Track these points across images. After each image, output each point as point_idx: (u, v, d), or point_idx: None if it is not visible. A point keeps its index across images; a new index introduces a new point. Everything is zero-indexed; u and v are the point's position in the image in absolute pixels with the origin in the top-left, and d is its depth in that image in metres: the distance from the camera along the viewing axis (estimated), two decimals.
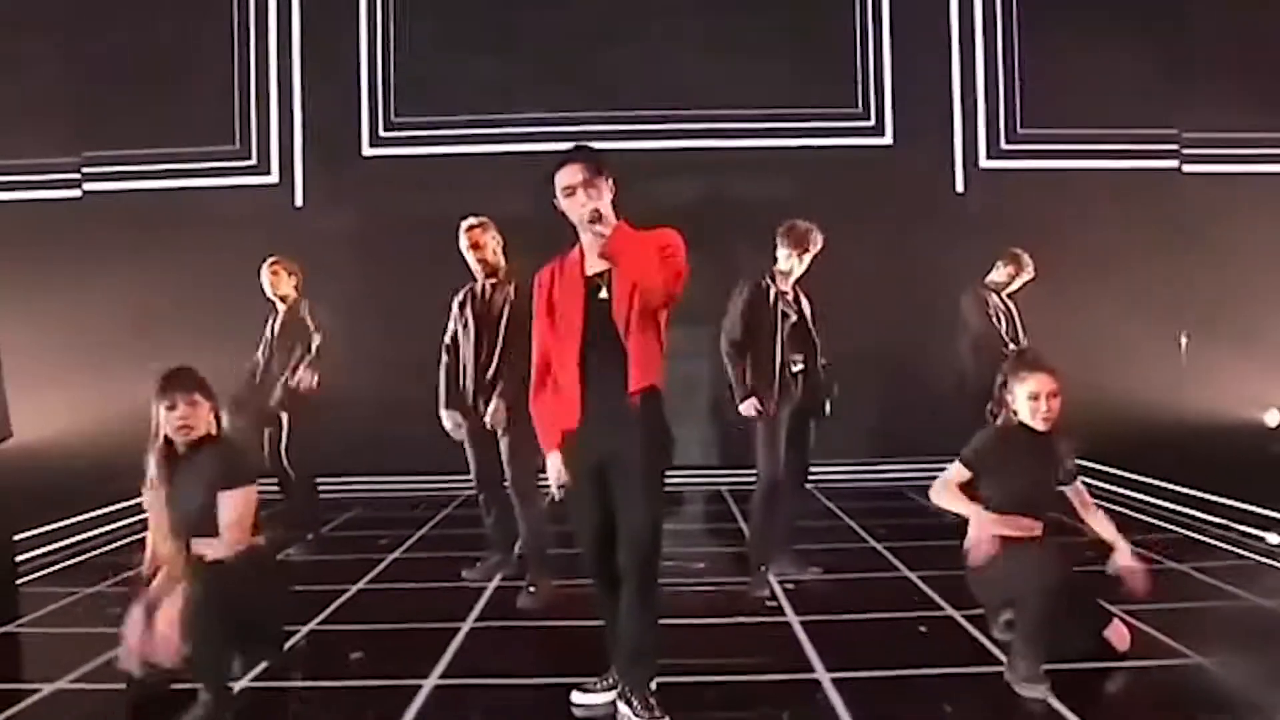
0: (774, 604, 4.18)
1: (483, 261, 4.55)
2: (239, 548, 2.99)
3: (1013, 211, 7.63)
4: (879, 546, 5.31)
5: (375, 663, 3.54)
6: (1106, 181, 8.00)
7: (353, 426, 6.43)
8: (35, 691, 3.27)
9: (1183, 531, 5.57)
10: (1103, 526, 3.43)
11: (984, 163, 8.20)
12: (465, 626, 3.95)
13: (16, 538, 4.77)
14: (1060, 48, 8.03)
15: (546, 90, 7.99)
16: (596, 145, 8.10)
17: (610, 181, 2.85)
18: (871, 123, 8.17)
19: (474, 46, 7.99)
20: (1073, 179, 8.04)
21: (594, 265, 2.92)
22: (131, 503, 6.11)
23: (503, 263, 4.61)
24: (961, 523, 3.39)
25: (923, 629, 3.79)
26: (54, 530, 5.66)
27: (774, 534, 4.53)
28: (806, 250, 4.55)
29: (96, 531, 5.93)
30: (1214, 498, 5.87)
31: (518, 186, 7.64)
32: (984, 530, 3.22)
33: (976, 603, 3.47)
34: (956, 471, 3.31)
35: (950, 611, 3.93)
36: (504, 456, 4.40)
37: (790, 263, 4.57)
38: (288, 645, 3.52)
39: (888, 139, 8.14)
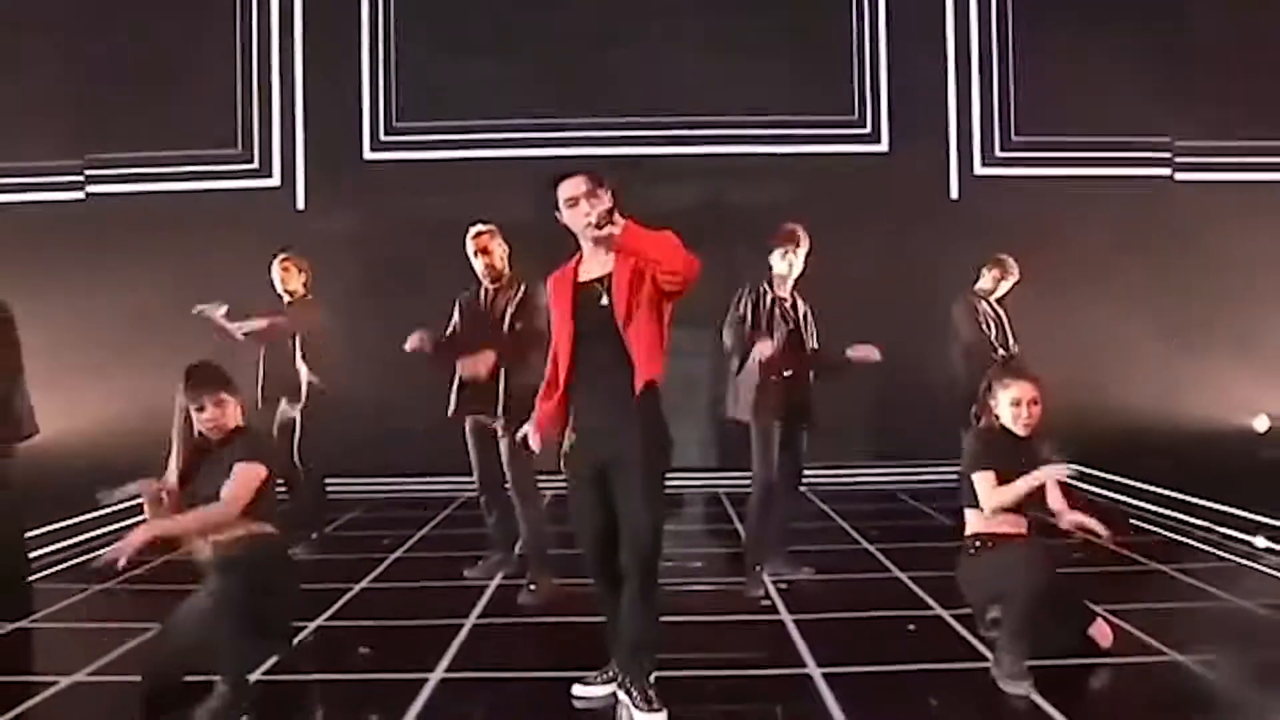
0: (768, 603, 4.34)
1: (489, 266, 4.71)
2: (234, 513, 3.11)
3: (1007, 218, 7.78)
4: (871, 548, 5.48)
5: (381, 658, 3.69)
6: (1100, 189, 8.16)
7: (354, 428, 6.58)
8: (53, 684, 3.41)
9: (1171, 535, 5.73)
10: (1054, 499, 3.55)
11: (979, 169, 8.37)
12: (468, 623, 4.10)
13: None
14: (1055, 55, 8.20)
15: (548, 94, 8.15)
16: (596, 150, 8.25)
17: (610, 193, 3.00)
18: (868, 129, 8.33)
19: (476, 50, 8.14)
20: (1067, 186, 8.19)
21: (591, 271, 3.07)
22: (135, 502, 6.28)
23: (508, 269, 4.75)
24: (956, 527, 3.54)
25: (911, 627, 3.95)
26: (60, 529, 5.81)
27: (769, 536, 4.69)
28: (797, 246, 4.69)
29: (100, 531, 6.06)
30: (1203, 502, 6.01)
31: (519, 190, 7.87)
32: (1049, 475, 3.34)
33: (964, 602, 3.64)
34: (988, 478, 3.42)
35: (939, 610, 4.09)
36: (504, 459, 4.56)
37: (785, 263, 4.71)
38: (296, 641, 3.67)
39: (884, 146, 8.31)
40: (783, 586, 4.57)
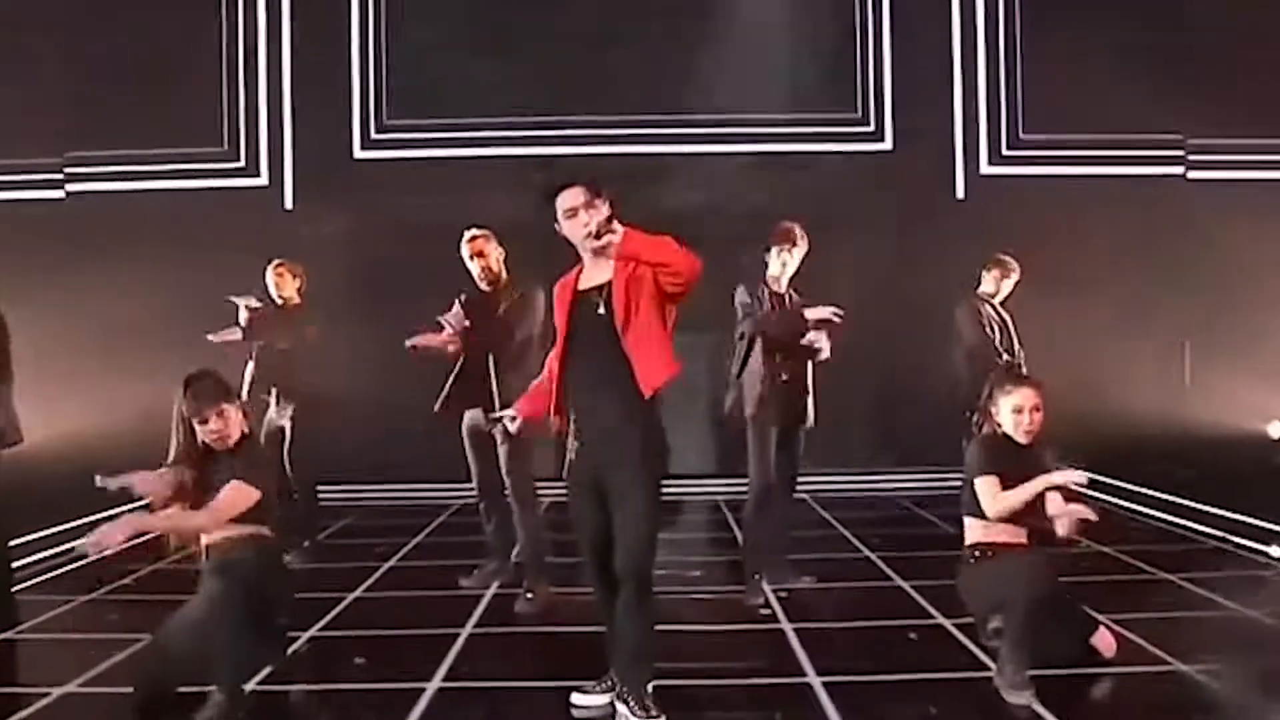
0: (768, 611, 4.45)
1: (485, 269, 4.82)
2: (218, 522, 3.21)
3: (1014, 219, 7.86)
4: (872, 556, 5.59)
5: (377, 668, 3.78)
6: (1110, 189, 8.25)
7: (345, 433, 6.66)
8: (44, 696, 3.48)
9: (1183, 543, 5.83)
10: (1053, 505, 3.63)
11: (985, 169, 8.46)
12: (464, 632, 4.20)
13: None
14: (1064, 51, 8.27)
15: (543, 92, 8.24)
16: (592, 150, 8.31)
17: (609, 203, 3.10)
18: (871, 128, 8.43)
19: (469, 48, 8.21)
20: (1075, 186, 8.28)
21: (591, 280, 3.18)
22: (124, 509, 6.36)
23: (504, 273, 4.86)
24: (959, 535, 3.64)
25: (912, 635, 4.05)
26: (45, 538, 5.88)
27: (768, 542, 4.79)
28: (793, 245, 4.80)
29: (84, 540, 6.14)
30: (1215, 510, 6.09)
31: (513, 190, 7.97)
32: (1058, 481, 3.43)
33: (966, 611, 3.73)
34: (991, 483, 3.51)
35: (941, 619, 4.19)
36: (502, 464, 4.67)
37: (779, 262, 4.81)
38: (290, 650, 3.75)
39: (887, 144, 8.41)
40: (783, 595, 4.67)
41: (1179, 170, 8.47)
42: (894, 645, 3.97)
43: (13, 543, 4.74)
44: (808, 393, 4.83)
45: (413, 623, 4.39)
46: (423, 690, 3.51)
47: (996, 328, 5.83)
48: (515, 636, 4.25)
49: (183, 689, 3.32)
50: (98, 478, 3.29)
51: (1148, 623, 4.02)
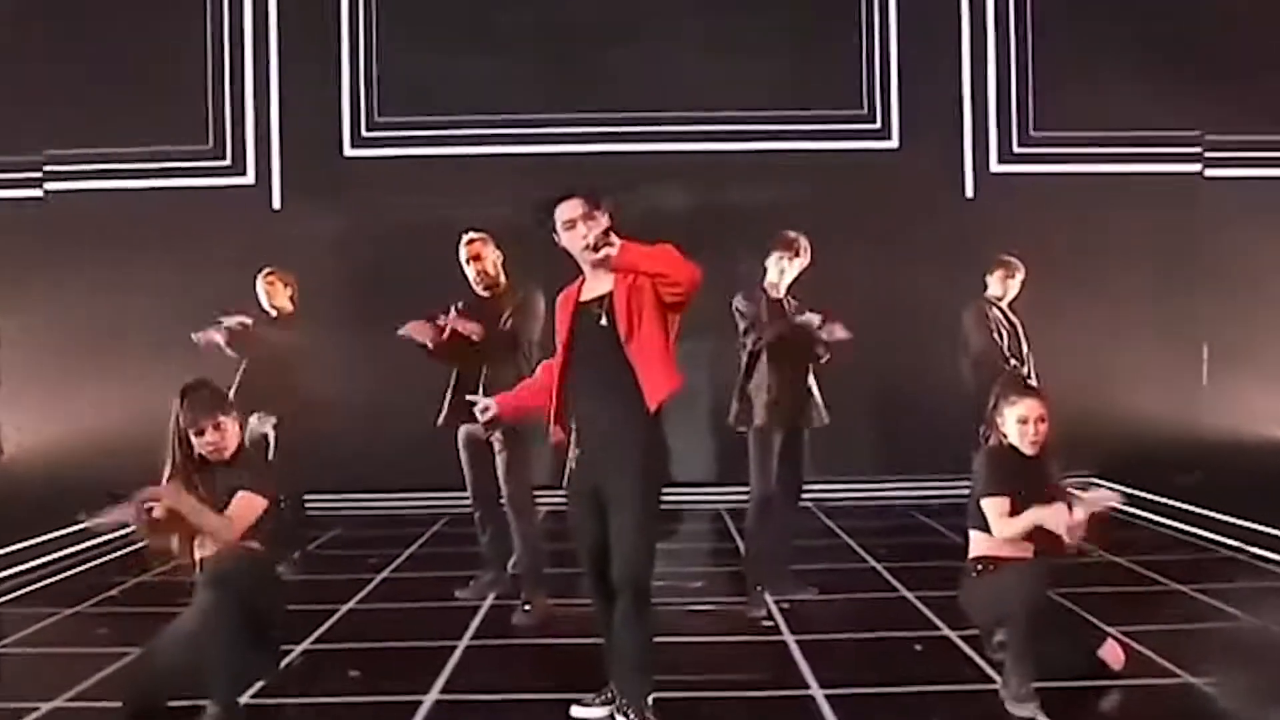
0: (770, 624, 4.55)
1: (482, 274, 4.91)
2: (235, 534, 3.32)
3: (1025, 218, 7.94)
4: (878, 566, 5.70)
5: (372, 681, 3.87)
6: (1124, 187, 8.30)
7: (335, 440, 6.74)
8: (33, 710, 3.56)
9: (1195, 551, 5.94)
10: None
11: (995, 167, 8.54)
12: (461, 645, 4.30)
13: None
14: (1076, 44, 8.35)
15: (538, 89, 8.32)
16: (590, 148, 8.39)
17: (608, 215, 3.21)
18: (877, 125, 8.51)
19: (462, 42, 8.30)
20: (1089, 184, 8.34)
21: (592, 291, 3.29)
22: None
23: (502, 277, 4.96)
24: (966, 544, 3.74)
25: (918, 647, 4.15)
26: (23, 549, 5.97)
27: (770, 552, 4.90)
28: (795, 255, 4.91)
29: (68, 551, 6.24)
30: (1231, 519, 6.19)
31: (508, 189, 8.06)
32: (1065, 515, 3.51)
33: (972, 622, 3.83)
34: (1000, 505, 3.61)
35: (946, 631, 4.29)
36: (500, 473, 4.78)
37: (778, 269, 4.92)
38: (283, 663, 3.85)
39: (894, 142, 8.49)
40: (785, 606, 4.77)
41: (1196, 168, 8.53)
42: (898, 657, 4.07)
43: None
44: (812, 395, 4.93)
45: (408, 635, 4.49)
46: (419, 704, 3.60)
47: (1005, 332, 5.91)
48: (513, 649, 4.35)
49: (173, 703, 3.42)
50: (81, 516, 3.39)
51: (1157, 634, 4.11)
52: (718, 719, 3.52)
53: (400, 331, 4.76)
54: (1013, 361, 5.80)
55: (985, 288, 6.10)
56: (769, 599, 4.79)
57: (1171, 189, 8.42)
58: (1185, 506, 6.72)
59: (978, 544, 3.70)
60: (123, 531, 5.90)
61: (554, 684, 3.74)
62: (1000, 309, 6.01)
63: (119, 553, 5.95)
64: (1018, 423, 3.67)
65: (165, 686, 3.44)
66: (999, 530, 3.60)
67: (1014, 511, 3.58)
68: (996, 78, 8.59)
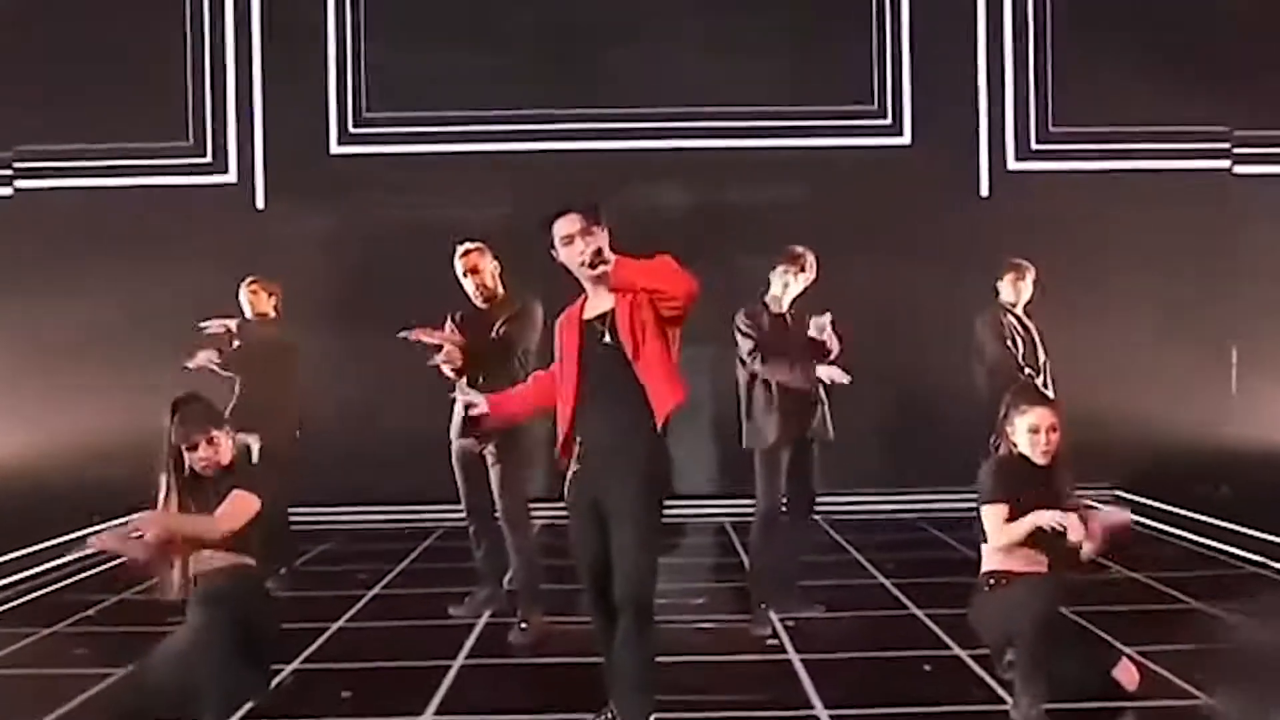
0: (775, 642, 4.67)
1: (480, 285, 5.02)
2: (224, 531, 3.44)
3: (1043, 218, 8.05)
4: (887, 582, 5.82)
5: (364, 702, 3.97)
6: (1148, 185, 8.41)
7: (324, 452, 6.82)
8: None
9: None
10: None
11: (1012, 164, 8.66)
12: (455, 664, 4.41)
13: None
14: (1097, 35, 8.45)
15: (535, 83, 8.43)
16: (588, 145, 8.47)
17: (606, 230, 3.33)
18: (888, 120, 8.62)
19: (454, 34, 8.41)
20: (1110, 182, 8.46)
21: (595, 308, 3.42)
22: (82, 533, 6.58)
23: (500, 289, 5.08)
24: (976, 559, 3.86)
25: (927, 667, 4.27)
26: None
27: (775, 568, 5.03)
28: (801, 270, 5.04)
29: (46, 566, 6.35)
30: (1256, 533, 6.27)
31: (503, 188, 8.18)
32: (1068, 519, 3.63)
33: (981, 641, 3.95)
34: (997, 512, 3.73)
35: (957, 650, 4.41)
36: (495, 486, 4.89)
37: (781, 283, 5.05)
38: (274, 684, 3.96)
39: (905, 138, 8.61)
40: (790, 624, 4.89)
41: (1224, 164, 8.64)
42: (906, 677, 4.18)
43: None
44: (818, 405, 5.05)
45: (400, 654, 4.60)
46: None
47: (1021, 339, 6.00)
48: (509, 668, 4.46)
49: None
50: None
51: (1175, 654, 4.20)
52: None
53: (402, 334, 4.82)
54: (1028, 370, 5.90)
55: (997, 294, 6.18)
56: (774, 617, 4.92)
57: (1198, 186, 8.52)
58: (1211, 520, 6.79)
59: (989, 558, 3.82)
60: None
61: (552, 705, 3.84)
62: (1015, 315, 6.10)
63: (95, 570, 6.08)
64: (1029, 432, 3.79)
65: (154, 707, 3.53)
66: (996, 538, 3.72)
67: (1013, 519, 3.70)
68: (1014, 70, 8.68)
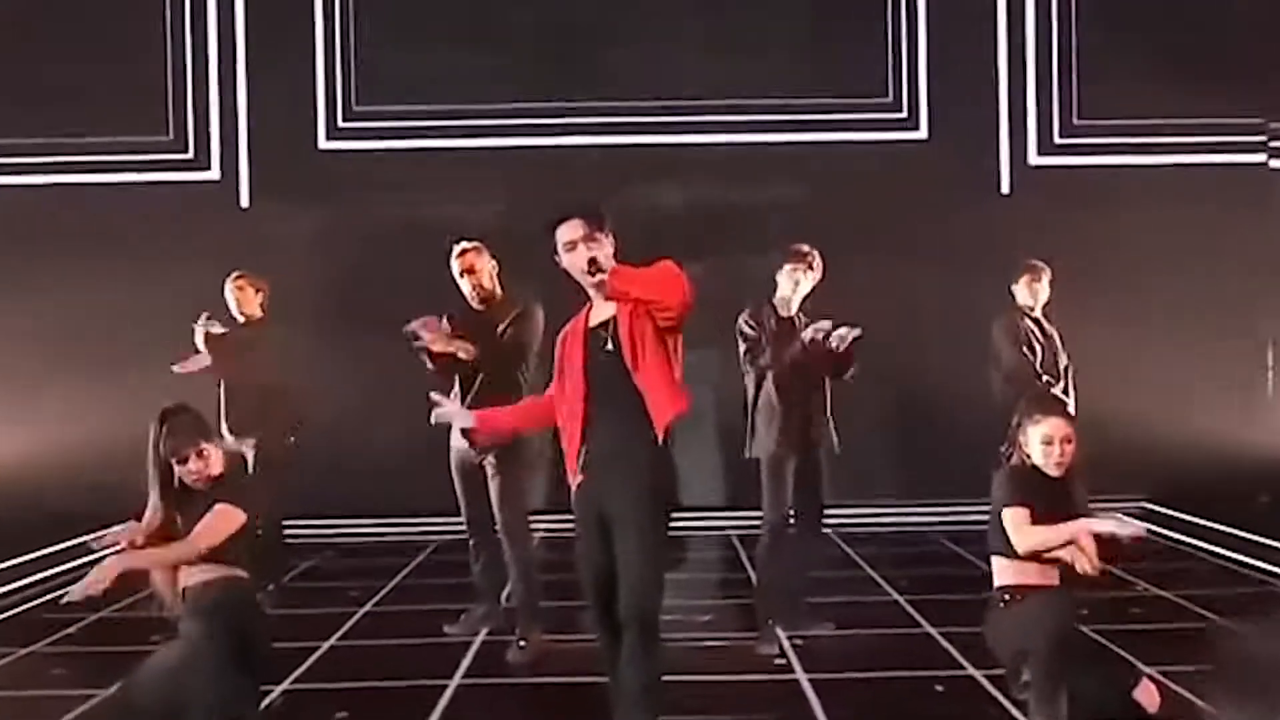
0: (782, 661, 4.80)
1: (477, 286, 5.14)
2: (203, 548, 3.57)
3: (1067, 216, 8.15)
4: (900, 599, 5.94)
5: None
6: (1179, 180, 8.50)
7: (312, 462, 6.89)
8: None
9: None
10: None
11: (1034, 159, 8.75)
12: (452, 684, 4.53)
13: None
14: (1124, 23, 8.54)
15: (531, 76, 8.55)
16: (587, 140, 8.53)
17: (611, 236, 3.46)
18: (904, 114, 8.72)
19: (446, 26, 8.52)
20: (1138, 178, 8.54)
21: (598, 316, 3.55)
22: (61, 547, 6.72)
23: (498, 290, 5.20)
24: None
25: (939, 688, 4.39)
26: None
27: (783, 584, 5.16)
28: (809, 269, 5.17)
29: (25, 581, 6.49)
30: None
31: (498, 185, 8.30)
32: (1095, 528, 3.74)
33: (998, 660, 4.06)
34: (1020, 514, 3.82)
35: (971, 670, 4.54)
36: (494, 498, 5.01)
37: (791, 283, 5.18)
38: (264, 704, 4.08)
39: (922, 132, 8.71)
40: (798, 643, 5.02)
41: (1261, 158, 8.72)
42: (918, 698, 4.30)
43: None
44: (826, 416, 5.18)
45: (395, 673, 4.71)
46: None
47: (1039, 344, 6.10)
48: (507, 688, 4.58)
49: None
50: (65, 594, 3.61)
51: (1201, 675, 4.29)
52: None
53: (407, 327, 4.93)
54: (1045, 377, 6.00)
55: (1013, 298, 6.27)
56: (781, 634, 5.04)
57: (1232, 181, 8.59)
58: (1246, 535, 6.88)
59: (1002, 572, 3.91)
60: (79, 561, 6.20)
61: None
62: (1033, 319, 6.20)
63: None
64: (1042, 443, 3.88)
65: None
66: (1020, 542, 3.79)
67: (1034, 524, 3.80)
68: (1036, 60, 8.75)
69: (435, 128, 8.58)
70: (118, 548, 3.65)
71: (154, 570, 3.66)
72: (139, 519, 3.70)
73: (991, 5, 8.75)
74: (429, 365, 5.01)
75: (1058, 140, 8.78)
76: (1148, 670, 4.03)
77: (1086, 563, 3.78)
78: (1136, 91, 8.50)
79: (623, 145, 8.47)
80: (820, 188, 8.37)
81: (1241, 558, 6.73)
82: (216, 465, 3.68)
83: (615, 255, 3.44)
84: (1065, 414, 3.98)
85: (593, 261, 3.34)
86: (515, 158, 8.42)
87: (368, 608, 6.02)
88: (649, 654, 3.38)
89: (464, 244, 5.20)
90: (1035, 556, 3.80)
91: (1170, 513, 8.03)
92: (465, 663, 4.85)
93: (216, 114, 8.69)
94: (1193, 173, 8.60)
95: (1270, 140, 8.73)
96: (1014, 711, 3.99)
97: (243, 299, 6.28)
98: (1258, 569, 6.50)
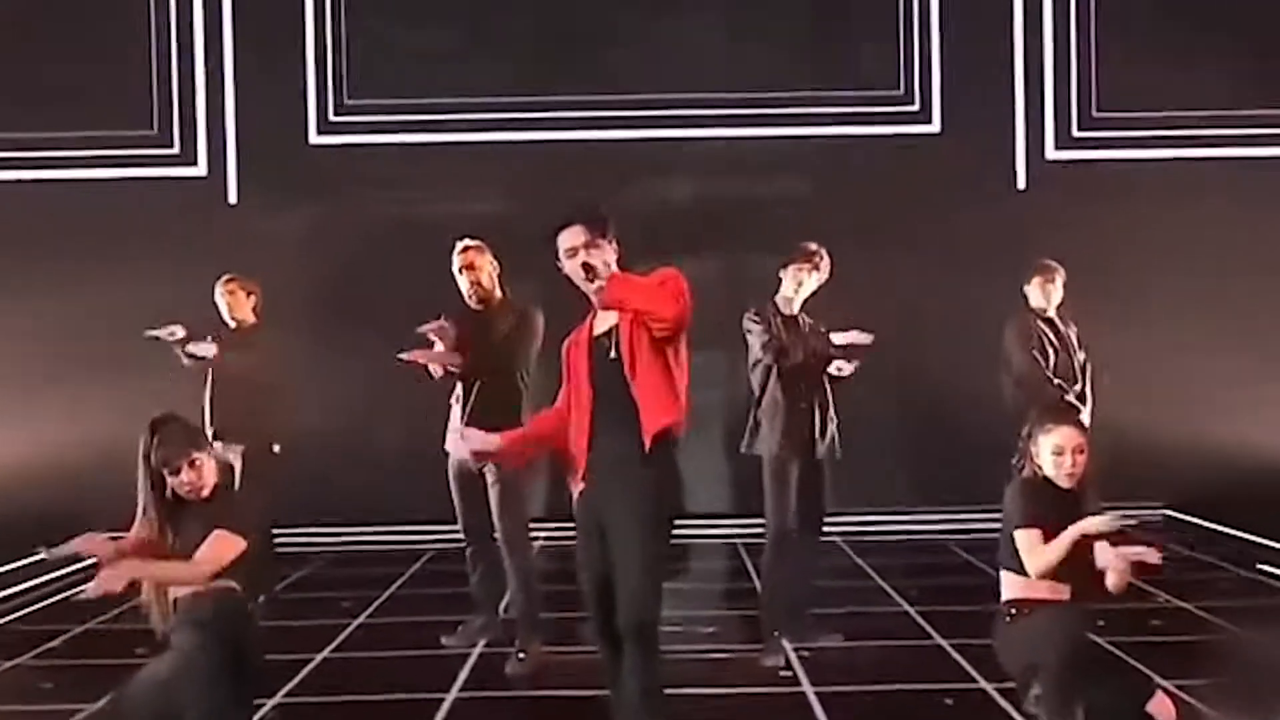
0: (788, 673, 4.89)
1: (476, 285, 5.22)
2: (204, 577, 3.68)
3: (1086, 213, 8.22)
4: (910, 610, 6.04)
5: None
6: (1203, 175, 8.54)
7: (302, 468, 6.97)
8: None
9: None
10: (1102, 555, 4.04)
11: (1051, 153, 8.80)
12: (449, 698, 4.62)
13: None
14: (1147, 9, 8.62)
15: (529, 67, 8.61)
16: (590, 134, 8.61)
17: (614, 242, 3.57)
18: (916, 107, 8.77)
19: (441, 15, 8.62)
20: (1162, 172, 8.58)
21: (603, 323, 3.64)
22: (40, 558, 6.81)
23: (498, 291, 5.29)
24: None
25: (949, 701, 4.48)
26: None
27: (789, 593, 5.26)
28: (814, 269, 5.27)
29: (7, 592, 6.60)
30: None
31: (497, 181, 8.38)
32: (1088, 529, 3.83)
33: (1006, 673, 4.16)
34: (1032, 536, 3.90)
35: (982, 683, 4.62)
36: (493, 506, 5.09)
37: (794, 283, 5.28)
38: (256, 718, 4.19)
39: (934, 126, 8.76)
40: (805, 654, 5.11)
41: None
42: (927, 711, 4.40)
43: None
44: (830, 421, 5.28)
45: (390, 687, 4.81)
46: None
47: (1052, 348, 6.17)
48: (506, 701, 4.68)
49: None
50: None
51: (1219, 689, 4.38)
52: None
53: (402, 355, 5.04)
54: (1056, 382, 6.06)
55: (1026, 300, 6.32)
56: (787, 646, 5.14)
57: (1261, 176, 8.62)
58: (1271, 544, 6.97)
59: (1011, 586, 4.01)
60: (63, 572, 6.31)
61: None
62: (1048, 320, 6.25)
63: (58, 597, 6.32)
64: (1053, 453, 3.96)
65: None
66: (1033, 565, 3.89)
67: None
68: (1053, 49, 8.79)
69: (430, 121, 8.62)
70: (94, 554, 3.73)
71: (147, 582, 3.76)
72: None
73: None
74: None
75: (1076, 133, 8.83)
76: (1164, 683, 4.14)
77: (1116, 577, 3.85)
78: (1159, 82, 8.53)
79: (625, 140, 8.54)
80: (827, 183, 8.46)
81: (1268, 568, 6.79)
82: (209, 475, 3.77)
83: (619, 260, 3.54)
84: (1077, 423, 4.05)
85: (588, 268, 3.44)
86: (514, 152, 8.50)
87: (362, 619, 6.10)
88: (647, 665, 3.46)
89: (467, 241, 5.28)
90: (1051, 574, 3.92)
91: (1193, 520, 8.12)
92: (463, 675, 4.94)
93: (203, 107, 8.73)
94: (1218, 167, 8.64)
95: None
96: None
97: (234, 303, 6.38)
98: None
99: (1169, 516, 8.46)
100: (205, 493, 3.75)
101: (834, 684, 4.70)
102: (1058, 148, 8.84)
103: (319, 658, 5.31)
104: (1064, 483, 3.96)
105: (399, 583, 7.05)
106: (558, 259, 3.58)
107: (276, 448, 6.40)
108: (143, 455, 3.74)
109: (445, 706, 4.53)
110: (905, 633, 5.61)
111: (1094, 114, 8.81)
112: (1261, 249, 8.46)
